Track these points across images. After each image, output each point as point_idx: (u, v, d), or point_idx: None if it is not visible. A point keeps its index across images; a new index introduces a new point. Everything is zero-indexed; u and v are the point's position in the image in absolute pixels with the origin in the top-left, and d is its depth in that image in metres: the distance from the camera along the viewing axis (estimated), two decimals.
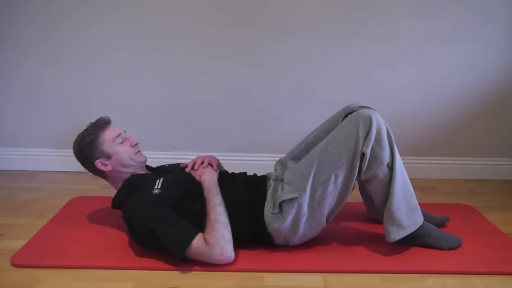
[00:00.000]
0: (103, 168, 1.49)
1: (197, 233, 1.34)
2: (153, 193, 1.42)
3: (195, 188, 1.49)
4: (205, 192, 1.46)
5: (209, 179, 1.50)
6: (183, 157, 2.01)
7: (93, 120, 1.55)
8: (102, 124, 1.51)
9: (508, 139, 2.29)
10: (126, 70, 2.17)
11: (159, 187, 1.44)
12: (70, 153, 2.27)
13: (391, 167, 1.38)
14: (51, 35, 2.12)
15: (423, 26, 2.10)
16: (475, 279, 1.34)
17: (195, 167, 1.57)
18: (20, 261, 1.38)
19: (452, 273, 1.37)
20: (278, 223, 1.40)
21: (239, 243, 1.46)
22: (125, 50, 2.14)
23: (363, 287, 1.30)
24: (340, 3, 2.07)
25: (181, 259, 1.32)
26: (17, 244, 1.47)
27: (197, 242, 1.32)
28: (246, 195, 1.45)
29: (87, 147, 1.48)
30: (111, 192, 1.55)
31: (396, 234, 1.41)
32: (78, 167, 2.32)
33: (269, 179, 1.55)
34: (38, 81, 2.19)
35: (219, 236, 1.33)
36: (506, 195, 2.09)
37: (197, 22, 2.10)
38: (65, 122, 2.24)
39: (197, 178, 1.52)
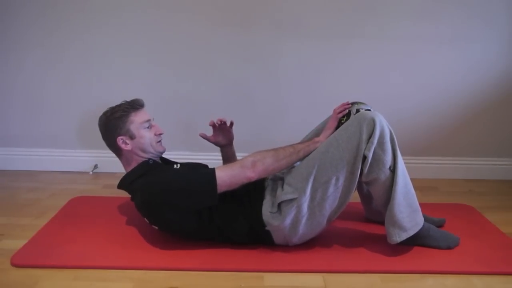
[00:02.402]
0: (123, 146, 1.49)
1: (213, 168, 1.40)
2: (174, 167, 1.49)
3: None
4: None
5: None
6: (183, 157, 2.01)
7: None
8: (136, 105, 1.52)
9: (508, 139, 2.29)
10: (126, 70, 2.17)
11: (178, 166, 1.50)
12: (71, 153, 2.31)
13: (393, 170, 1.38)
14: (52, 35, 2.12)
15: (423, 27, 2.10)
16: (475, 279, 1.34)
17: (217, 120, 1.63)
18: (20, 261, 1.38)
19: (452, 273, 1.37)
20: (277, 222, 1.40)
21: (239, 242, 1.47)
22: (126, 51, 2.14)
23: (363, 287, 1.30)
24: (341, 3, 2.07)
25: (215, 191, 1.35)
26: (17, 244, 1.48)
27: (219, 170, 1.38)
28: (243, 193, 1.45)
29: (114, 121, 1.48)
30: (111, 192, 1.55)
31: (398, 236, 1.41)
32: (79, 167, 2.34)
33: (268, 178, 1.55)
34: (40, 82, 2.19)
35: (261, 155, 1.41)
36: (505, 195, 2.09)
37: (197, 23, 2.10)
38: (67, 123, 2.24)
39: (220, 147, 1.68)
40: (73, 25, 2.11)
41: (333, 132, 1.47)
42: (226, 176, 1.37)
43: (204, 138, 1.66)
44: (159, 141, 1.56)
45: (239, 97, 2.21)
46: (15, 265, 1.37)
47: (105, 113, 1.52)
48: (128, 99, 1.55)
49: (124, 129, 1.48)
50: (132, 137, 1.49)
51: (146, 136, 1.50)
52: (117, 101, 2.12)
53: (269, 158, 1.40)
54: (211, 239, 1.48)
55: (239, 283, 1.30)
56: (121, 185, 1.51)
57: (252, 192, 1.47)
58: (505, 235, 1.61)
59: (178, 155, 2.16)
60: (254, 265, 1.38)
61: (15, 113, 2.25)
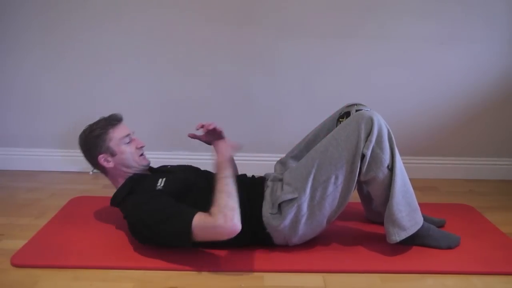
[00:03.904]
0: (105, 164, 1.48)
1: (196, 211, 1.30)
2: (157, 188, 1.43)
3: (199, 184, 1.49)
4: (217, 164, 1.45)
5: (224, 151, 1.48)
6: (184, 157, 2.02)
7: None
8: (114, 121, 1.51)
9: (508, 139, 2.29)
10: (126, 70, 2.17)
11: (162, 184, 1.44)
12: (70, 153, 2.31)
13: (391, 168, 1.38)
14: (51, 35, 2.12)
15: (423, 26, 2.10)
16: (475, 279, 1.34)
17: (206, 127, 1.49)
18: (20, 261, 1.38)
19: (452, 273, 1.37)
20: (277, 222, 1.40)
21: (238, 244, 1.47)
22: (125, 50, 2.14)
23: (363, 287, 1.30)
24: (340, 3, 2.07)
25: (190, 243, 1.29)
26: (17, 244, 1.48)
27: (199, 217, 1.28)
28: (244, 196, 1.44)
29: (94, 140, 1.47)
30: (111, 192, 1.55)
31: (397, 235, 1.41)
32: (79, 167, 2.34)
33: (267, 179, 1.55)
34: (39, 82, 2.19)
35: (222, 204, 1.29)
36: (506, 195, 2.09)
37: (197, 22, 2.10)
38: (66, 122, 2.24)
39: (212, 145, 1.50)
40: (73, 25, 2.11)
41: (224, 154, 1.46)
42: (202, 227, 1.28)
43: (194, 138, 1.60)
44: (142, 154, 1.55)
45: (238, 98, 2.21)
46: (15, 265, 1.37)
47: (83, 132, 1.51)
48: (97, 117, 1.53)
49: (104, 147, 1.47)
50: (113, 154, 1.48)
51: (127, 152, 1.49)
52: (117, 101, 2.13)
53: (229, 201, 1.31)
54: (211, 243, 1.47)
55: (239, 283, 1.30)
56: (113, 204, 1.51)
57: (251, 196, 1.47)
58: (505, 235, 1.61)
59: (177, 156, 2.17)
60: (254, 265, 1.38)
61: (14, 113, 2.25)
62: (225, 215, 1.27)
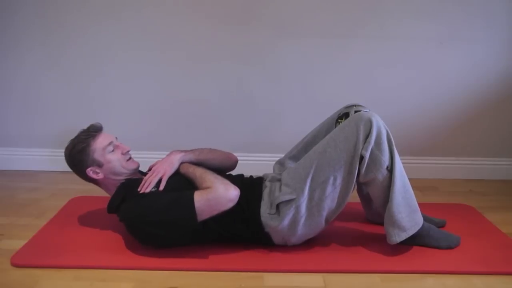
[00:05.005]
0: (94, 176, 1.48)
1: (194, 191, 1.36)
2: (150, 191, 1.43)
3: (189, 187, 1.49)
4: (184, 174, 1.49)
5: (172, 169, 1.49)
6: None
7: (88, 125, 1.53)
8: (93, 131, 1.49)
9: (508, 139, 2.29)
10: (126, 70, 2.17)
11: (154, 186, 1.45)
12: None
13: (390, 170, 1.38)
14: (51, 36, 2.12)
15: (423, 26, 2.10)
16: (475, 279, 1.34)
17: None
18: (20, 261, 1.38)
19: (452, 273, 1.37)
20: (276, 223, 1.40)
21: (238, 240, 1.47)
22: (125, 50, 2.14)
23: (363, 287, 1.30)
24: (340, 3, 2.07)
25: (197, 222, 1.33)
26: (17, 244, 1.48)
27: (199, 194, 1.35)
28: (242, 196, 1.44)
29: (78, 156, 1.47)
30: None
31: (398, 237, 1.41)
32: None
33: (265, 180, 1.55)
34: (38, 82, 2.19)
35: (213, 179, 1.39)
36: (506, 195, 2.09)
37: (197, 22, 2.10)
38: (65, 122, 2.24)
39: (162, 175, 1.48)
40: (73, 25, 2.11)
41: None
42: (205, 201, 1.34)
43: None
44: (129, 159, 1.54)
45: (238, 97, 2.21)
46: (15, 265, 1.37)
47: (66, 149, 1.51)
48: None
49: (89, 160, 1.46)
50: (100, 165, 1.47)
51: (113, 159, 1.48)
52: (116, 101, 2.13)
53: (216, 176, 1.43)
54: (211, 242, 1.48)
55: (239, 283, 1.30)
56: (109, 211, 1.51)
57: (249, 196, 1.46)
58: (505, 235, 1.61)
59: None
60: (254, 265, 1.38)
61: (14, 113, 2.25)
62: (223, 184, 1.37)
